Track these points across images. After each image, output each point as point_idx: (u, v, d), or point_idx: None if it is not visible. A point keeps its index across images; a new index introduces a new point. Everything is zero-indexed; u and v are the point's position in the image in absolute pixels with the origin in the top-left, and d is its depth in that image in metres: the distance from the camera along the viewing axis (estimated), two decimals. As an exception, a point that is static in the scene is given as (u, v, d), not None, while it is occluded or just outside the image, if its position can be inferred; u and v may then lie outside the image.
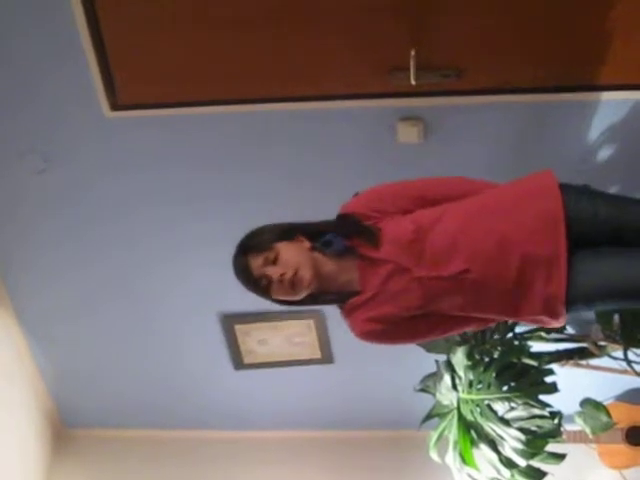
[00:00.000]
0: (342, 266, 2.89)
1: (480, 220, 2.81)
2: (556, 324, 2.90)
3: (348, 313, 2.93)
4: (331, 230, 2.95)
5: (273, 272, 2.81)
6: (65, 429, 5.69)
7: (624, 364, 4.21)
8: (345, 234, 2.91)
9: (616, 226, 2.81)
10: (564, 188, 2.85)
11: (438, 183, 3.06)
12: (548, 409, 4.16)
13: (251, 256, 2.86)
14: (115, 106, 3.81)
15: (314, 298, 2.93)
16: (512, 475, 4.18)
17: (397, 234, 2.83)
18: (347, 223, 2.93)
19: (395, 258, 2.81)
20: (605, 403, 4.58)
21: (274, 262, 2.82)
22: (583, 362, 4.46)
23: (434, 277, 2.78)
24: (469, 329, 3.12)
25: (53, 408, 5.56)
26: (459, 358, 4.15)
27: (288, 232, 2.91)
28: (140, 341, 5.07)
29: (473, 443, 4.22)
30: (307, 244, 2.90)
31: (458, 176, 3.10)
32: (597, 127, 3.80)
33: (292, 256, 2.83)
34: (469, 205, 2.88)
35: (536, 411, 4.13)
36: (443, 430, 4.32)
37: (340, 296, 2.93)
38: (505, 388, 4.14)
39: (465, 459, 4.24)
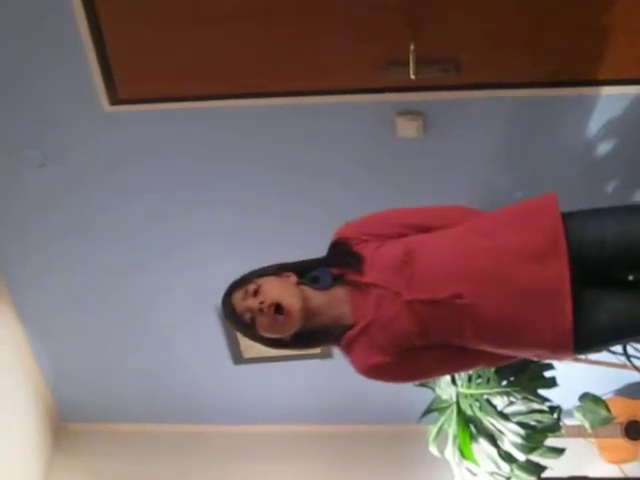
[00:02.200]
0: (332, 298, 2.80)
1: (473, 242, 2.72)
2: (558, 359, 2.84)
3: (346, 349, 2.82)
4: (319, 264, 2.87)
5: (252, 303, 2.73)
6: (64, 423, 5.69)
7: (623, 358, 4.21)
8: (331, 265, 2.84)
9: (627, 248, 2.66)
10: (566, 215, 2.72)
11: (435, 210, 2.97)
12: (547, 403, 4.17)
13: (235, 292, 2.81)
14: (114, 101, 3.81)
15: (304, 336, 2.83)
16: (511, 469, 4.19)
17: (387, 258, 2.75)
18: (332, 254, 2.87)
19: (384, 282, 2.73)
20: (604, 397, 4.59)
21: (255, 294, 2.75)
22: (582, 356, 4.46)
23: (425, 301, 2.67)
24: (480, 366, 3.04)
25: (52, 402, 5.56)
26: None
27: (274, 270, 2.85)
28: (139, 335, 5.08)
29: (472, 437, 4.23)
30: (293, 279, 2.82)
31: (457, 205, 3.00)
32: (596, 122, 3.80)
33: (274, 287, 2.75)
34: (462, 228, 2.80)
35: (535, 406, 4.14)
36: (442, 424, 4.34)
37: (334, 332, 2.81)
38: (504, 383, 4.15)
39: (464, 453, 4.25)
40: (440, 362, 2.84)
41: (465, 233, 2.78)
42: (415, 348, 2.75)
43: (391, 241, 2.81)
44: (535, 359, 3.21)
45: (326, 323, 2.81)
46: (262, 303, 2.71)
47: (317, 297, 2.79)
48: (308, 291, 2.80)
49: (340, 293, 2.80)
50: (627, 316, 2.68)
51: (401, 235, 2.83)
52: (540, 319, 2.64)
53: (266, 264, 2.89)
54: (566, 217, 2.71)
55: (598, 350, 3.36)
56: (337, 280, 2.81)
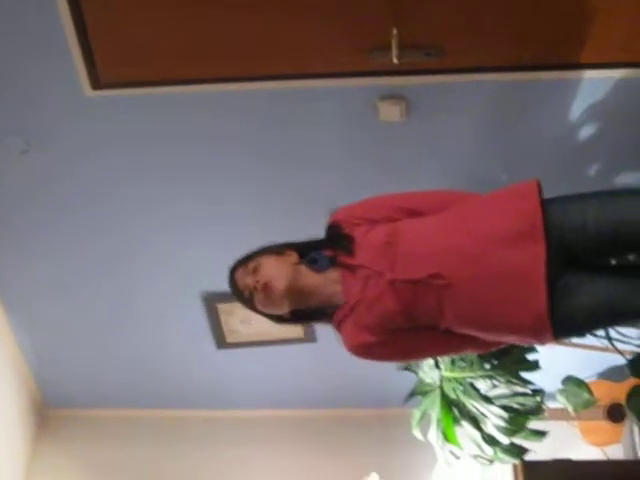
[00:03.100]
0: (326, 279, 2.89)
1: (454, 225, 2.78)
2: (540, 343, 2.86)
3: (338, 327, 2.91)
4: (319, 245, 2.97)
5: (249, 281, 2.88)
6: (48, 409, 5.68)
7: (606, 342, 4.23)
8: (325, 246, 2.94)
9: (609, 231, 2.67)
10: (549, 200, 2.75)
11: (428, 195, 3.02)
12: (530, 387, 4.19)
13: (238, 268, 2.95)
14: (96, 85, 3.78)
15: (301, 314, 2.95)
16: (494, 452, 4.21)
17: (373, 239, 2.83)
18: (326, 237, 2.97)
19: (369, 263, 2.80)
20: (587, 381, 4.62)
21: (254, 272, 2.88)
22: (565, 340, 4.47)
23: (405, 280, 2.73)
24: (466, 350, 3.07)
25: (36, 388, 5.55)
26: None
27: (278, 248, 2.96)
28: (122, 321, 5.07)
29: (455, 421, 4.24)
30: (294, 258, 2.93)
31: (450, 189, 3.07)
32: (578, 105, 3.80)
33: (270, 267, 2.88)
34: (447, 212, 2.86)
35: (518, 389, 4.15)
36: (426, 408, 4.35)
37: (328, 311, 2.91)
38: (487, 366, 4.16)
39: (448, 436, 4.27)
40: (425, 344, 2.91)
41: (448, 216, 2.83)
42: (401, 329, 2.81)
43: (381, 225, 2.88)
44: (518, 344, 3.21)
45: (320, 302, 2.91)
46: (258, 282, 2.84)
47: (312, 278, 2.88)
48: (305, 270, 2.90)
49: (333, 274, 2.89)
50: (608, 300, 2.68)
51: (392, 219, 2.89)
52: (516, 302, 2.67)
53: (252, 249, 2.97)
54: (548, 202, 2.73)
55: (581, 334, 3.38)
56: (332, 262, 2.90)
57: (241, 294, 2.93)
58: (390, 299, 2.75)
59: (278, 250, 2.94)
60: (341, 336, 2.91)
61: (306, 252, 2.96)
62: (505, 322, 2.72)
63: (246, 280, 2.89)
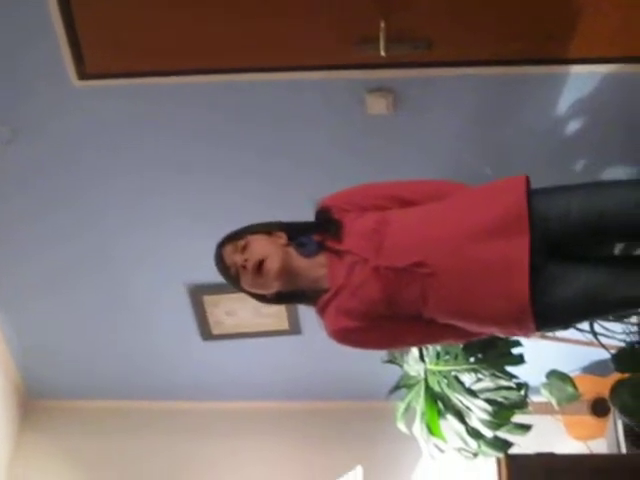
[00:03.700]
0: (314, 263, 2.89)
1: (441, 216, 2.80)
2: (522, 334, 2.88)
3: (321, 311, 2.91)
4: (309, 229, 2.97)
5: (238, 259, 2.86)
6: (32, 400, 5.67)
7: (590, 336, 4.24)
8: (314, 230, 2.94)
9: (594, 220, 2.68)
10: (535, 190, 2.76)
11: (418, 184, 3.04)
12: (514, 380, 4.20)
13: (226, 245, 2.94)
14: (83, 75, 3.76)
15: (285, 296, 2.97)
16: (479, 446, 4.22)
17: (361, 226, 2.84)
18: (315, 221, 2.97)
19: (356, 249, 2.81)
20: (571, 375, 4.63)
21: (243, 250, 2.87)
22: (550, 334, 4.49)
23: (389, 267, 2.74)
24: (447, 340, 3.08)
25: (19, 379, 5.54)
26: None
27: (268, 227, 2.97)
28: (108, 312, 5.06)
29: (440, 414, 4.25)
30: (283, 240, 2.93)
31: (441, 180, 3.07)
32: (565, 100, 3.81)
33: (261, 246, 2.87)
34: (435, 203, 2.87)
35: (503, 382, 4.17)
36: (410, 401, 4.36)
37: (312, 294, 2.92)
38: (472, 359, 4.17)
39: (432, 430, 4.28)
40: (406, 333, 2.92)
41: (436, 207, 2.85)
42: (383, 317, 2.83)
43: (371, 212, 2.89)
44: (501, 335, 3.22)
45: (305, 285, 2.91)
46: (247, 261, 2.83)
47: (300, 261, 2.89)
48: (293, 252, 2.90)
49: (320, 258, 2.90)
50: (591, 291, 2.70)
51: (383, 207, 2.91)
52: (499, 292, 2.68)
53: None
54: (533, 192, 2.74)
55: (564, 326, 3.39)
56: (320, 247, 2.90)
57: (227, 270, 2.91)
58: (374, 286, 2.76)
59: (267, 229, 2.94)
60: (323, 321, 2.92)
61: (294, 234, 2.95)
62: (488, 312, 2.73)
63: (234, 257, 2.87)
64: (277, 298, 2.97)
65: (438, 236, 2.74)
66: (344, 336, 2.89)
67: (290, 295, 2.96)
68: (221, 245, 2.95)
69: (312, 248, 2.91)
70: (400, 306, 2.79)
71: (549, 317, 2.75)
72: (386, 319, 2.83)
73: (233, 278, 2.91)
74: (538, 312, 2.68)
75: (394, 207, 2.91)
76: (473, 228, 2.71)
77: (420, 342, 3.31)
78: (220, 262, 2.93)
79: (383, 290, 2.76)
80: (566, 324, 3.25)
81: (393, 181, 3.05)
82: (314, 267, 2.89)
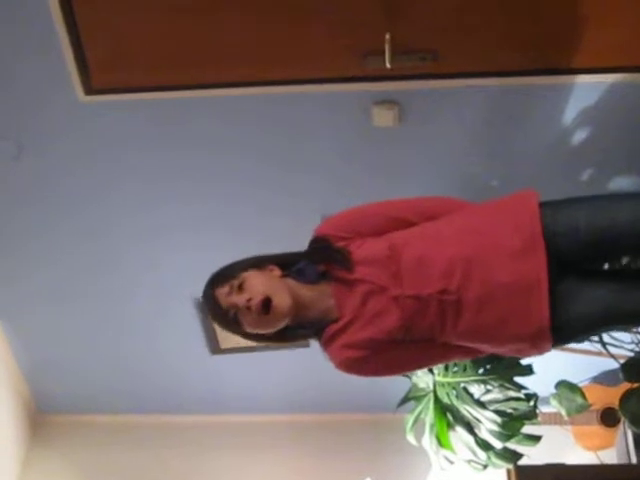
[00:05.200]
0: (321, 293, 2.77)
1: (457, 239, 2.71)
2: (536, 354, 2.82)
3: (327, 343, 2.79)
4: (302, 259, 2.82)
5: (238, 299, 2.67)
6: (40, 415, 5.68)
7: (599, 346, 4.23)
8: (316, 261, 2.79)
9: (604, 234, 2.65)
10: (543, 204, 2.73)
11: (415, 203, 2.93)
12: (524, 391, 4.19)
13: (217, 287, 2.74)
14: (89, 90, 3.78)
15: (290, 331, 2.79)
16: (488, 457, 4.21)
17: (372, 253, 2.72)
18: (317, 250, 2.82)
19: (371, 278, 2.69)
20: (580, 385, 4.61)
21: (240, 289, 2.69)
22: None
23: (411, 296, 2.66)
24: (456, 359, 3.03)
25: (29, 394, 5.54)
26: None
27: (257, 262, 2.79)
28: (116, 326, 5.06)
29: (449, 426, 4.24)
30: (277, 272, 2.78)
31: (437, 197, 2.98)
32: (571, 110, 3.81)
33: (260, 282, 2.69)
34: (444, 223, 2.79)
35: (512, 393, 4.15)
36: (419, 413, 4.35)
37: (317, 326, 2.79)
38: (481, 371, 4.16)
39: (441, 442, 4.27)
40: (417, 357, 2.84)
41: (448, 229, 2.76)
42: (394, 342, 2.74)
43: (372, 238, 2.78)
44: (515, 355, 3.17)
45: (313, 318, 2.78)
46: (250, 300, 2.65)
47: (305, 291, 2.75)
48: (294, 284, 2.75)
49: (324, 288, 2.77)
50: (607, 308, 2.67)
51: (381, 230, 2.81)
52: (519, 314, 2.65)
53: (244, 255, 2.85)
54: (544, 207, 2.71)
55: (579, 341, 3.36)
56: (322, 275, 2.78)
57: (224, 314, 2.72)
58: (394, 315, 2.68)
59: (256, 264, 2.78)
60: (329, 351, 2.80)
61: (284, 266, 2.81)
62: (506, 333, 2.70)
63: (232, 299, 2.69)
64: (279, 334, 2.78)
65: (459, 260, 2.66)
66: (354, 366, 2.79)
67: (293, 330, 2.78)
68: (212, 286, 2.75)
69: (312, 274, 2.77)
70: (415, 332, 2.72)
71: (564, 334, 2.73)
72: (398, 345, 2.75)
73: (231, 321, 2.72)
74: (554, 329, 2.66)
75: (391, 228, 2.81)
76: (492, 252, 2.65)
77: (428, 365, 3.25)
78: (214, 306, 2.74)
79: (403, 318, 2.68)
80: (580, 339, 3.22)
81: (384, 201, 2.93)
82: (321, 297, 2.76)
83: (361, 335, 2.72)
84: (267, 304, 2.66)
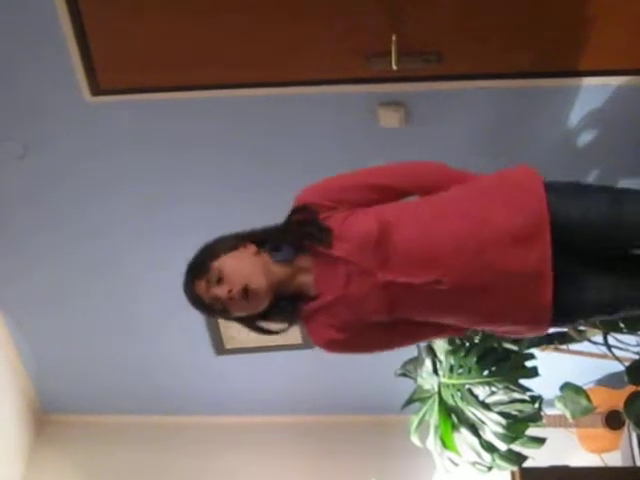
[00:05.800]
0: (296, 268, 2.67)
1: (454, 221, 2.59)
2: (532, 334, 2.78)
3: (306, 320, 2.71)
4: (277, 237, 2.73)
5: (220, 292, 2.60)
6: (45, 414, 5.69)
7: (604, 349, 4.22)
8: (292, 242, 2.69)
9: (611, 230, 2.61)
10: (550, 188, 2.64)
11: (408, 172, 2.82)
12: (528, 393, 4.18)
13: (196, 282, 2.67)
14: (96, 91, 3.79)
15: (273, 307, 2.69)
16: (493, 459, 4.20)
17: (359, 232, 2.59)
18: (293, 229, 2.71)
19: (355, 258, 2.58)
20: (585, 387, 4.60)
21: (219, 281, 2.62)
22: (563, 347, 4.47)
23: (403, 284, 2.55)
24: (443, 337, 2.97)
25: (34, 394, 5.55)
26: (440, 343, 4.15)
27: (230, 244, 2.71)
28: (121, 327, 5.07)
29: (454, 427, 4.23)
30: (252, 248, 2.68)
31: (431, 163, 2.88)
32: (578, 112, 3.81)
33: (237, 269, 2.61)
34: (439, 202, 2.67)
35: (517, 395, 4.15)
36: (424, 415, 4.34)
37: (296, 302, 2.69)
38: (486, 372, 4.16)
39: (446, 443, 4.26)
40: (405, 336, 2.78)
41: (446, 209, 2.65)
42: (376, 322, 2.67)
43: (361, 210, 2.66)
44: (507, 336, 3.12)
45: (288, 294, 2.69)
46: (230, 292, 2.59)
47: (279, 269, 2.66)
48: (269, 262, 2.66)
49: (303, 262, 2.68)
50: (612, 295, 2.66)
51: (371, 200, 2.69)
52: (520, 300, 2.59)
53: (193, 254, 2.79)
54: (550, 193, 2.62)
55: (576, 325, 3.31)
56: (299, 249, 2.68)
57: (211, 307, 2.66)
58: (379, 300, 2.59)
59: (231, 245, 2.70)
60: (308, 329, 2.73)
61: (261, 241, 2.72)
62: (505, 317, 2.65)
63: (213, 292, 2.62)
64: (266, 313, 2.70)
65: (455, 248, 2.55)
66: (338, 346, 2.72)
67: (277, 303, 2.68)
68: (190, 283, 2.68)
69: (289, 252, 2.67)
70: (399, 314, 2.65)
71: (565, 318, 2.71)
72: (379, 325, 2.68)
73: (221, 312, 2.66)
74: (555, 313, 2.61)
75: (383, 198, 2.69)
76: (493, 238, 2.55)
77: (419, 341, 3.16)
78: (198, 302, 2.68)
79: (388, 304, 2.60)
80: (579, 323, 3.18)
81: (377, 167, 2.82)
82: (297, 273, 2.67)
83: (346, 317, 2.64)
84: (245, 290, 2.59)
